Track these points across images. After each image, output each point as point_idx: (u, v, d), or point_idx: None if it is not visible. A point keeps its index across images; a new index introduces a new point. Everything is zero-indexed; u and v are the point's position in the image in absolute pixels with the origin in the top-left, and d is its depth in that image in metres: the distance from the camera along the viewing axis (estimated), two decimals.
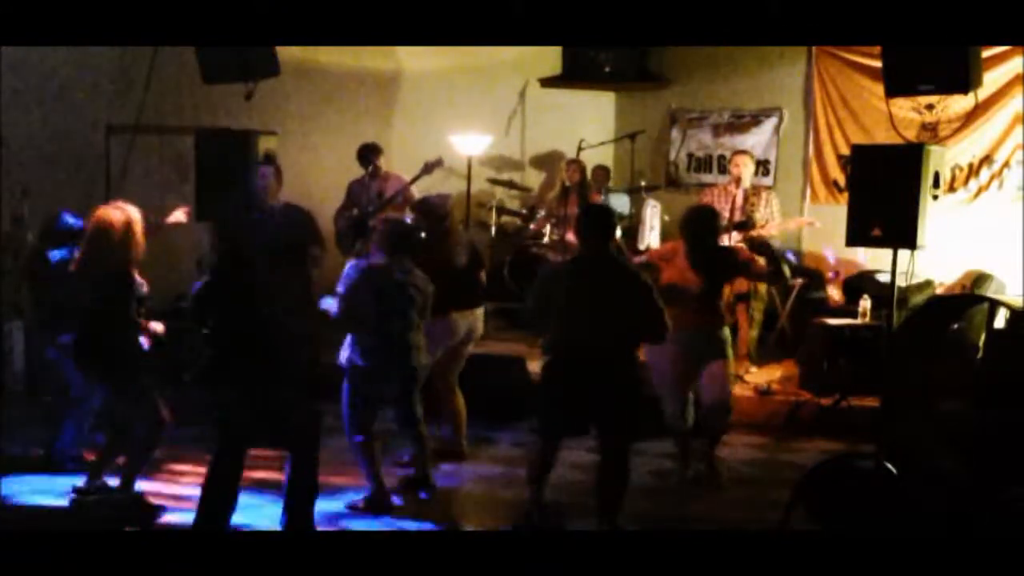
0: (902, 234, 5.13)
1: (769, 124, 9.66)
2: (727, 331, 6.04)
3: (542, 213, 9.20)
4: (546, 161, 10.29)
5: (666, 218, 9.39)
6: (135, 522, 5.33)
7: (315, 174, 9.53)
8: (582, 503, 5.69)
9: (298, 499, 5.01)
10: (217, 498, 4.94)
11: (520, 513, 5.37)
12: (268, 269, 5.06)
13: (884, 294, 6.80)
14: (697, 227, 5.95)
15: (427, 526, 5.41)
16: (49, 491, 5.69)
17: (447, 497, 5.85)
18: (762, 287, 8.11)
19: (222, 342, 4.97)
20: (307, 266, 6.85)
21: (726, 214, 7.70)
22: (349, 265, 5.78)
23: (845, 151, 8.78)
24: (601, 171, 9.52)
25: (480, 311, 6.62)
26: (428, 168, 7.97)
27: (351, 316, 5.50)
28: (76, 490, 5.56)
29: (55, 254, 5.95)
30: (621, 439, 5.23)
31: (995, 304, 5.69)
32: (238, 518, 5.06)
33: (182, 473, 6.08)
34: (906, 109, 8.54)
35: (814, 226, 8.41)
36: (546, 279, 5.38)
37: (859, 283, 8.38)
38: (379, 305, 5.50)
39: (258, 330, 4.87)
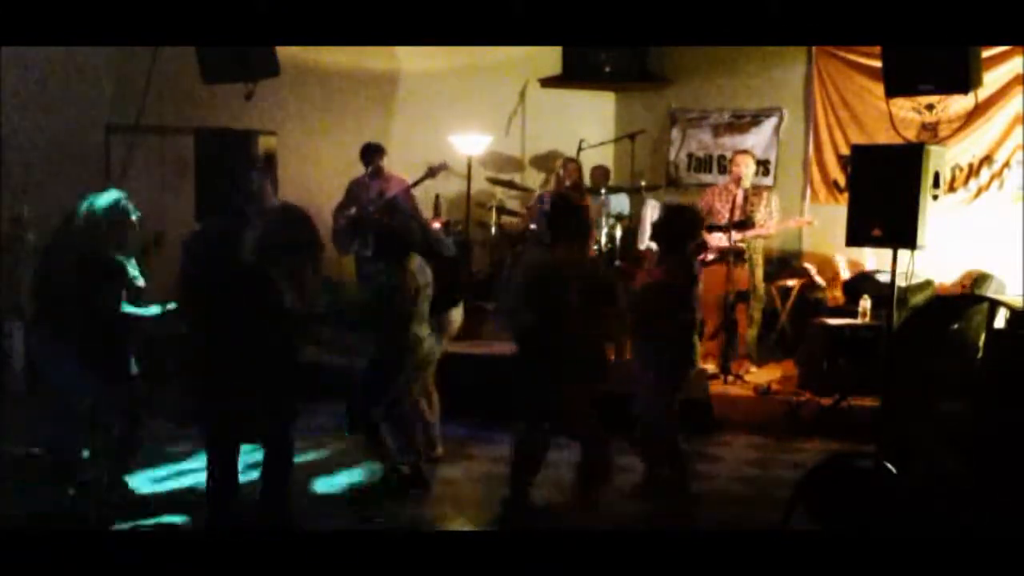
0: (902, 234, 5.12)
1: (769, 124, 9.66)
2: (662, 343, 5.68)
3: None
4: (546, 161, 10.29)
5: None
6: (127, 519, 5.33)
7: (315, 174, 9.53)
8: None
9: (270, 497, 4.98)
10: (217, 496, 4.93)
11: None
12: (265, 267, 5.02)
13: (884, 294, 6.79)
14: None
15: (427, 526, 5.42)
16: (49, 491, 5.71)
17: (447, 497, 5.84)
18: (760, 287, 8.12)
19: (199, 338, 4.96)
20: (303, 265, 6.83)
21: (726, 214, 7.70)
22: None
23: (845, 151, 8.78)
24: (600, 171, 9.51)
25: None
26: (432, 172, 7.99)
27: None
28: (75, 489, 5.55)
29: None
30: (585, 435, 5.32)
31: (995, 304, 5.69)
32: None
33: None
34: (906, 109, 8.54)
35: (813, 225, 8.42)
36: (513, 273, 5.49)
37: (859, 283, 8.37)
38: (391, 308, 5.57)
39: (231, 326, 4.83)
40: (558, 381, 5.25)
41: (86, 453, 6.02)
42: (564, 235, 5.34)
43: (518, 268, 5.45)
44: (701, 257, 7.81)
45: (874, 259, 8.44)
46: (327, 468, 6.24)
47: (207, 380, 4.98)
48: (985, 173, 8.57)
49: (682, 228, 5.69)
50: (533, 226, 8.60)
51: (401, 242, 5.75)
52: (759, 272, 8.02)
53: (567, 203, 5.63)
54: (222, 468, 4.93)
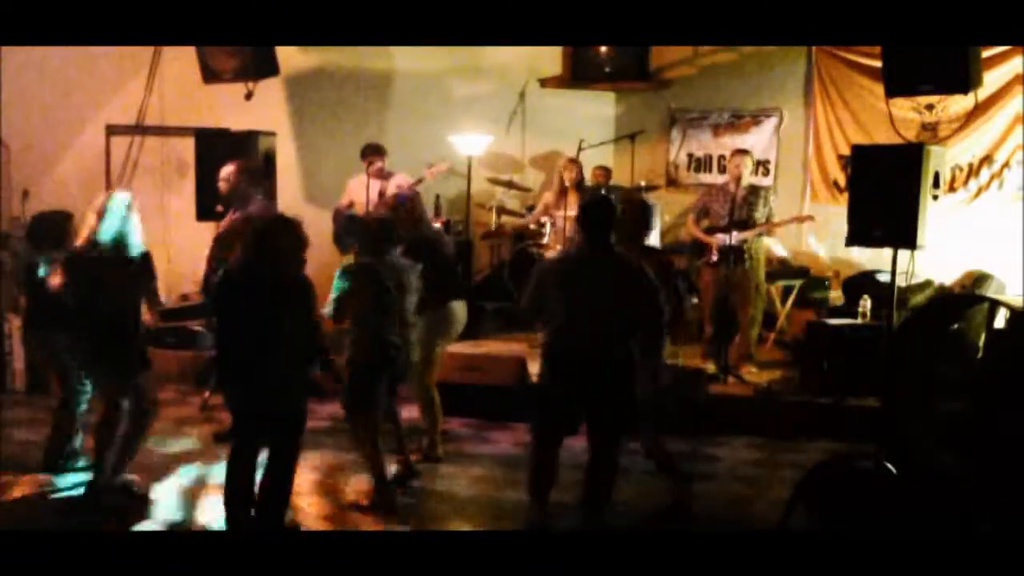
0: (902, 234, 5.12)
1: (769, 124, 9.67)
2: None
3: (539, 212, 9.18)
4: (546, 161, 10.30)
5: (666, 218, 9.40)
6: (127, 507, 5.38)
7: (315, 174, 9.54)
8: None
9: (271, 499, 4.96)
10: (231, 494, 4.94)
11: (522, 521, 5.30)
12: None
13: (884, 294, 6.79)
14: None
15: (426, 526, 5.41)
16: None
17: (447, 497, 5.84)
18: (763, 287, 8.10)
19: (232, 337, 4.96)
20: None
21: (724, 214, 7.70)
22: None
23: (845, 151, 8.78)
24: (601, 171, 9.52)
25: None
26: (432, 172, 8.05)
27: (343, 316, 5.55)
28: (89, 484, 5.55)
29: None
30: (612, 436, 5.17)
31: (995, 304, 5.68)
32: None
33: None
34: (906, 109, 8.54)
35: (813, 221, 8.43)
36: (542, 273, 5.28)
37: (859, 283, 8.37)
38: (372, 304, 5.53)
39: (261, 328, 4.84)
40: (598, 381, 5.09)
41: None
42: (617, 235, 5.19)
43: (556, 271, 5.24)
44: (705, 259, 7.84)
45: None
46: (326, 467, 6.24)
47: (231, 378, 4.99)
48: (985, 173, 8.57)
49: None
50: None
51: (378, 234, 5.69)
52: (761, 272, 8.00)
53: (601, 203, 5.41)
54: (236, 465, 4.95)
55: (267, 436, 4.98)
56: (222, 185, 6.52)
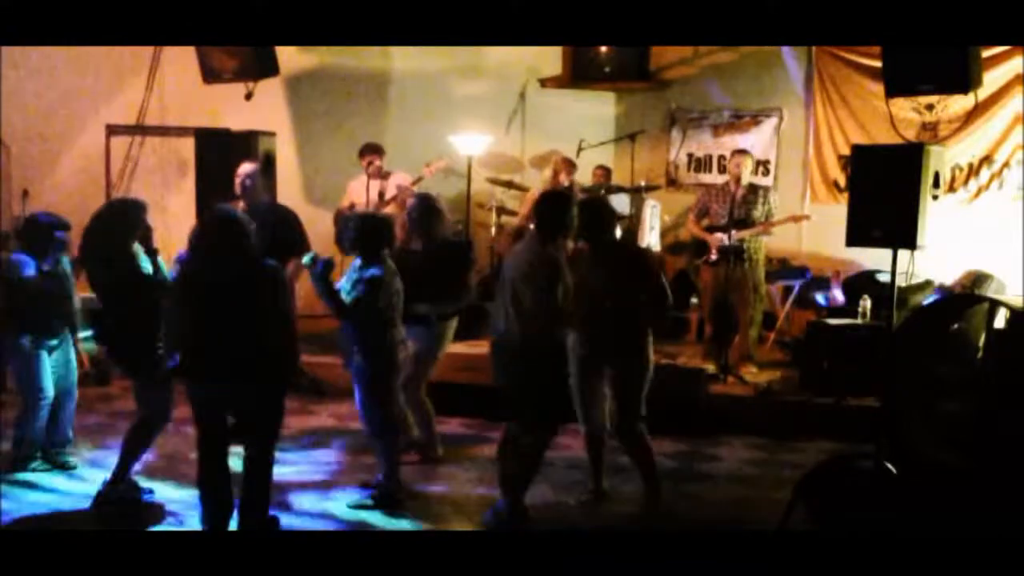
0: (902, 234, 5.12)
1: (769, 124, 9.66)
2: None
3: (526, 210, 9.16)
4: (546, 161, 10.29)
5: (666, 218, 9.40)
6: (130, 507, 5.39)
7: (314, 174, 9.54)
8: (583, 503, 5.69)
9: (252, 498, 4.91)
10: (207, 495, 4.94)
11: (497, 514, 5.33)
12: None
13: (884, 294, 6.79)
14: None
15: (425, 526, 5.42)
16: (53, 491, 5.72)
17: (447, 497, 5.85)
18: (762, 287, 8.11)
19: (190, 336, 4.94)
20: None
21: (724, 214, 7.70)
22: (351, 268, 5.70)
23: (845, 151, 8.78)
24: (601, 171, 9.52)
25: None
26: (430, 170, 8.06)
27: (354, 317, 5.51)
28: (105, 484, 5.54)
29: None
30: (524, 424, 5.27)
31: (995, 304, 5.69)
32: None
33: None
34: (906, 109, 8.54)
35: (811, 220, 8.43)
36: (501, 267, 5.48)
37: (859, 283, 8.37)
38: (379, 306, 5.50)
39: (223, 325, 4.80)
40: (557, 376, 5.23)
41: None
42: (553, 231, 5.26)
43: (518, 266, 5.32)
44: (705, 258, 7.84)
45: None
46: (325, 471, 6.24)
47: (198, 374, 4.96)
48: (985, 173, 8.57)
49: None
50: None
51: (377, 235, 5.57)
52: (760, 272, 8.01)
53: (555, 198, 5.51)
54: (212, 465, 4.94)
55: (237, 434, 4.96)
56: (239, 184, 6.56)
